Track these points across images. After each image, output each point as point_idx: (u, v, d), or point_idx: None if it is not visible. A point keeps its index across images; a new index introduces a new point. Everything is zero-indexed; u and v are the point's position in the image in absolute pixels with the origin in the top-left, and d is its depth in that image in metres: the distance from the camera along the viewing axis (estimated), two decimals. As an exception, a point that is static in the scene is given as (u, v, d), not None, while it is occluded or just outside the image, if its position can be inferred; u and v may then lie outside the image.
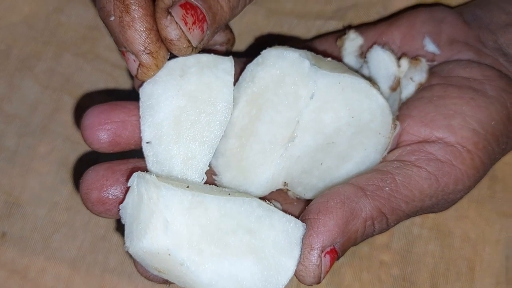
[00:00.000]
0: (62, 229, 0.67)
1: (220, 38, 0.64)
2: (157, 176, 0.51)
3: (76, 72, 0.73)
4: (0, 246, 0.66)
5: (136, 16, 0.50)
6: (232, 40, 0.65)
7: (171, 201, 0.49)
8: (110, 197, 0.54)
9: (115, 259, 0.66)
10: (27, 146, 0.70)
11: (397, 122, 0.57)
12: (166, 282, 0.53)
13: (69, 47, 0.73)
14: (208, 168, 0.54)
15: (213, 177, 0.56)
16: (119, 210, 0.52)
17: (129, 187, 0.51)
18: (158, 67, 0.52)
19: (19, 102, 0.71)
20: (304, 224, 0.51)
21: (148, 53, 0.51)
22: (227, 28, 0.65)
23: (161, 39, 0.51)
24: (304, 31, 0.74)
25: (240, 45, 0.73)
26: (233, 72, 0.54)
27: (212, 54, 0.55)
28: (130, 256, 0.52)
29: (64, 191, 0.68)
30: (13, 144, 0.70)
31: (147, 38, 0.51)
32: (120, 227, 0.56)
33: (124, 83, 0.73)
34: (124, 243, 0.50)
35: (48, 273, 0.65)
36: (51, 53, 0.73)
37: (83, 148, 0.70)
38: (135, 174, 0.51)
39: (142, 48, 0.51)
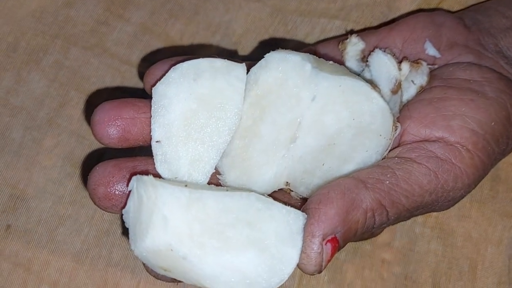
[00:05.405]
0: (66, 222, 0.67)
1: None
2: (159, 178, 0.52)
3: (83, 66, 0.73)
4: (4, 239, 0.67)
5: None
6: None
7: (168, 198, 0.50)
8: (117, 193, 0.55)
9: (119, 253, 0.67)
10: (32, 139, 0.70)
11: (398, 124, 0.57)
12: (174, 280, 0.54)
13: (77, 41, 0.73)
14: (214, 170, 0.55)
15: (218, 176, 0.57)
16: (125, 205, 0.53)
17: (130, 191, 0.52)
18: None
19: (25, 95, 0.72)
20: (304, 214, 0.52)
21: None
22: None
23: None
24: (308, 29, 0.74)
25: (245, 42, 0.74)
26: (245, 79, 0.55)
27: (226, 60, 0.55)
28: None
29: (69, 185, 0.69)
30: (19, 137, 0.70)
31: None
32: (126, 231, 0.57)
33: (131, 78, 0.73)
34: (130, 246, 0.51)
35: (52, 266, 0.66)
36: (58, 47, 0.73)
37: (89, 143, 0.70)
38: (134, 178, 0.52)
39: None
